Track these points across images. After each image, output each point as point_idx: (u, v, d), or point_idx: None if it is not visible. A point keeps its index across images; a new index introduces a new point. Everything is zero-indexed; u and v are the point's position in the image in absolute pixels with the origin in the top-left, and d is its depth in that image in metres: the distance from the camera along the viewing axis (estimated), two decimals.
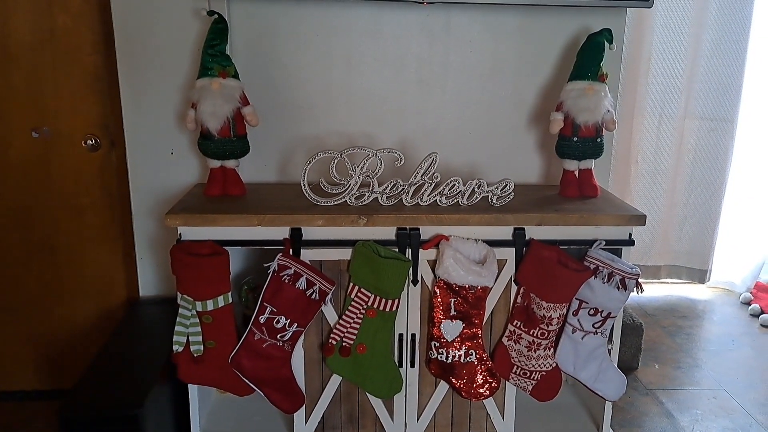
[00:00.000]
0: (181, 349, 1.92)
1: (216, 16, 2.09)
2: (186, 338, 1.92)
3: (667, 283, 3.79)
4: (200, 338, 1.93)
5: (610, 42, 2.15)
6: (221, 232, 1.94)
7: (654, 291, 3.68)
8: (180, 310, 1.91)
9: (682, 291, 3.75)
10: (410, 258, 1.97)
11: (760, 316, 3.39)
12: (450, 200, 2.03)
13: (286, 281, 1.89)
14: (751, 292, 3.65)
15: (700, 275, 3.68)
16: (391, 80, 2.35)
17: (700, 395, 2.68)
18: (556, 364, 2.07)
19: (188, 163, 2.35)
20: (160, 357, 2.04)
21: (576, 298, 2.00)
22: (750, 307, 3.50)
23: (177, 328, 1.90)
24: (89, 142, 2.39)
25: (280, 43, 2.29)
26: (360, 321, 1.97)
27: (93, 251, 2.49)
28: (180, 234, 1.94)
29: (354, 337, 1.98)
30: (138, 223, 2.39)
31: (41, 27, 2.28)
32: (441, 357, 2.03)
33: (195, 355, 1.93)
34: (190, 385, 2.03)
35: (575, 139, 2.15)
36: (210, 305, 1.90)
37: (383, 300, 1.95)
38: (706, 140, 3.48)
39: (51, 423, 2.39)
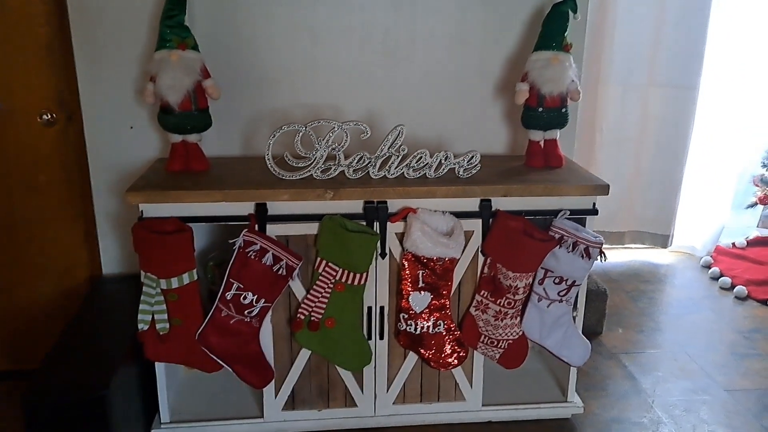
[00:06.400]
0: (146, 327, 1.90)
1: None
2: (151, 316, 1.90)
3: (631, 248, 3.86)
4: (165, 316, 1.91)
5: (575, 11, 2.15)
6: (185, 208, 1.91)
7: (618, 256, 3.75)
8: (144, 288, 1.88)
9: (645, 256, 3.82)
10: (378, 231, 1.97)
11: (720, 279, 3.48)
12: (417, 173, 2.02)
13: (252, 257, 1.87)
14: (711, 256, 3.74)
15: (662, 240, 3.75)
16: (357, 51, 2.31)
17: (662, 358, 2.75)
18: (523, 332, 2.11)
19: (149, 137, 2.29)
20: (125, 335, 2.02)
21: (541, 268, 2.03)
22: (710, 271, 3.59)
23: (141, 306, 1.88)
24: (45, 117, 2.30)
25: (241, 13, 2.22)
26: (328, 295, 1.97)
27: (53, 229, 2.42)
28: (142, 211, 1.90)
29: (322, 312, 1.98)
30: (98, 199, 2.33)
31: None
32: (410, 328, 2.05)
33: (161, 333, 1.91)
34: (157, 364, 2.02)
35: (540, 109, 2.16)
36: (175, 283, 1.88)
37: (351, 274, 1.94)
38: (669, 108, 3.51)
39: (13, 404, 2.34)
